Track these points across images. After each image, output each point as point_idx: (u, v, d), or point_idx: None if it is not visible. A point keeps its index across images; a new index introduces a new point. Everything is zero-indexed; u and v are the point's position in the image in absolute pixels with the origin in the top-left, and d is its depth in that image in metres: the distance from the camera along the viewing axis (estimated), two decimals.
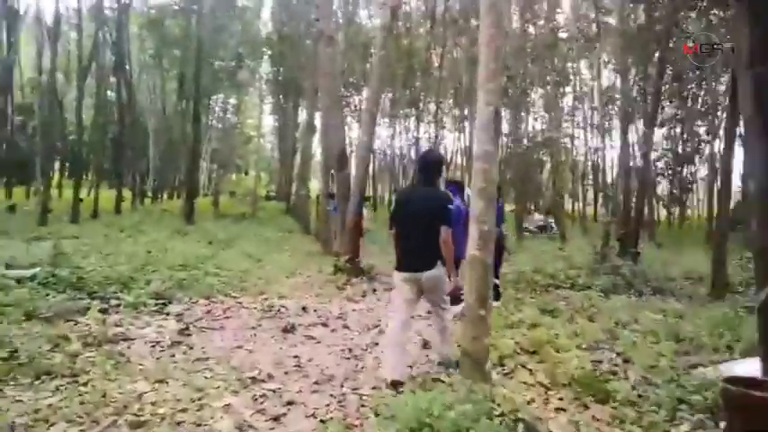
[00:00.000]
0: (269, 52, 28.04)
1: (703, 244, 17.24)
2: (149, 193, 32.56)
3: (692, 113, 21.95)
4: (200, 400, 3.41)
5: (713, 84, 21.31)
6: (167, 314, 5.71)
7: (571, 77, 27.44)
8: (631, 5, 15.05)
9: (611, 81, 26.21)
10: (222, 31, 24.62)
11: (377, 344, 4.96)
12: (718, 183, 20.74)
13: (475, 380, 3.34)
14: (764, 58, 2.69)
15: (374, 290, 8.01)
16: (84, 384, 3.54)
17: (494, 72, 3.73)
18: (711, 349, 4.74)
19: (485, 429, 2.73)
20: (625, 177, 13.80)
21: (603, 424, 3.24)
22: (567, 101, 29.27)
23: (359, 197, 9.62)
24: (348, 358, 4.57)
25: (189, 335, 4.99)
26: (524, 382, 3.82)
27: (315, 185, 22.68)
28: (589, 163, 32.64)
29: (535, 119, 28.76)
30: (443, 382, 3.60)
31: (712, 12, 14.52)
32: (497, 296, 6.43)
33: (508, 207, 21.08)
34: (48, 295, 5.61)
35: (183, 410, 3.24)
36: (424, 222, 3.86)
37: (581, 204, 34.52)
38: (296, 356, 4.50)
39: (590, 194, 35.96)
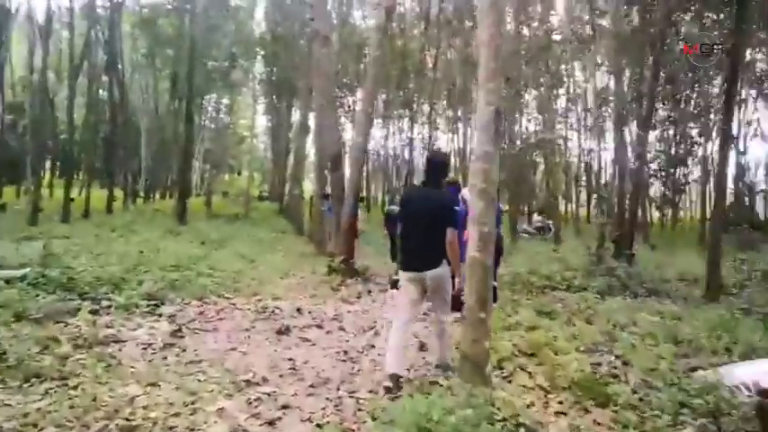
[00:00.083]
0: (262, 52, 27.88)
1: (696, 245, 17.31)
2: (141, 193, 32.27)
3: (685, 115, 22.03)
4: (193, 403, 3.35)
5: (706, 86, 21.41)
6: (159, 315, 5.63)
7: (565, 79, 27.47)
8: (625, 8, 15.08)
9: (605, 83, 26.28)
10: (215, 30, 24.49)
11: (373, 346, 4.91)
12: (711, 184, 20.94)
13: (474, 383, 3.29)
14: None
15: (369, 291, 7.97)
16: (75, 387, 3.47)
17: (494, 72, 3.69)
18: (710, 351, 4.72)
19: None
20: (620, 179, 13.82)
21: (605, 428, 3.19)
22: (561, 102, 29.34)
23: (354, 198, 9.56)
24: (344, 361, 4.52)
25: (181, 337, 4.92)
26: (524, 386, 3.78)
27: (308, 186, 22.56)
28: (582, 164, 32.72)
29: (529, 120, 28.77)
30: (441, 385, 3.55)
31: (706, 15, 14.62)
32: (494, 298, 6.37)
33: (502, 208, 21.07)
34: (37, 296, 5.52)
35: (176, 414, 3.18)
36: (427, 222, 3.83)
37: (574, 206, 34.59)
38: (291, 359, 4.44)
39: (583, 196, 36.03)
